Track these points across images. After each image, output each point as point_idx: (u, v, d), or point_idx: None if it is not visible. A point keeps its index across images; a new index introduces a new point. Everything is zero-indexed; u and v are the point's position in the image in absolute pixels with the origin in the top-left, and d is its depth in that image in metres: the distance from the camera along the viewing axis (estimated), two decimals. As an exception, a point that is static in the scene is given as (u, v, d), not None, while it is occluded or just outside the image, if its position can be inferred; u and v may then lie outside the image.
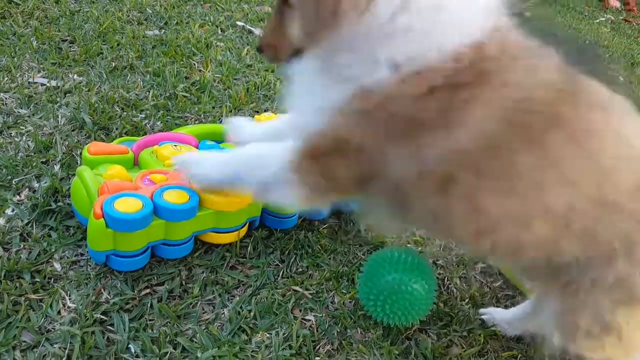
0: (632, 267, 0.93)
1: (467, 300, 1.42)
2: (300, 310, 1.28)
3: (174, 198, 1.29)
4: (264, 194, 1.09)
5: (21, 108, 1.80)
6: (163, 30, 2.59)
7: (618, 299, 0.96)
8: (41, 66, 2.07)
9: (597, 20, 5.53)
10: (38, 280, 1.21)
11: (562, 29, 4.65)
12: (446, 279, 1.49)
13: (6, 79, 1.92)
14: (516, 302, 1.46)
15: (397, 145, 0.90)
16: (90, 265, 1.27)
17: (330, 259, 1.45)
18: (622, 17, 6.17)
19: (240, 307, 1.24)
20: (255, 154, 1.10)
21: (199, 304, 1.24)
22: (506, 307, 1.43)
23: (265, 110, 2.14)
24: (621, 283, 0.94)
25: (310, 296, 1.31)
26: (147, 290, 1.24)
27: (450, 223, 0.97)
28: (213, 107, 1.99)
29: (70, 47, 2.27)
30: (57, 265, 1.26)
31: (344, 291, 1.35)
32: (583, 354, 1.04)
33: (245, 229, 1.45)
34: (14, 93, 1.86)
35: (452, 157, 0.88)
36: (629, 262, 0.93)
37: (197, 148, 1.61)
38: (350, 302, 1.32)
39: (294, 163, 0.99)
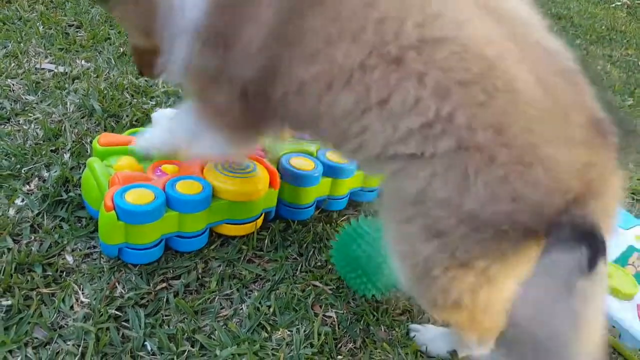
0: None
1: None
2: (320, 307, 1.23)
3: (186, 189, 1.25)
4: (198, 151, 1.22)
5: (29, 94, 1.75)
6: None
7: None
8: (48, 52, 2.01)
9: (613, 5, 5.41)
10: (50, 273, 1.16)
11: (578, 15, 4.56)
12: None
13: (13, 64, 1.87)
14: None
15: (233, 55, 0.97)
16: (103, 258, 1.23)
17: (350, 252, 1.40)
18: (638, 2, 6.04)
19: (259, 303, 1.20)
20: (175, 118, 1.26)
21: (216, 299, 1.19)
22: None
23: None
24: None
25: (331, 292, 1.27)
26: (163, 285, 1.20)
27: (297, 110, 0.99)
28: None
29: (77, 32, 2.21)
30: (69, 258, 1.21)
31: (365, 287, 1.30)
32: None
33: (260, 220, 1.41)
34: (21, 79, 1.81)
35: (268, 40, 0.92)
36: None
37: (211, 137, 1.56)
38: (372, 298, 1.27)
39: (195, 112, 1.13)
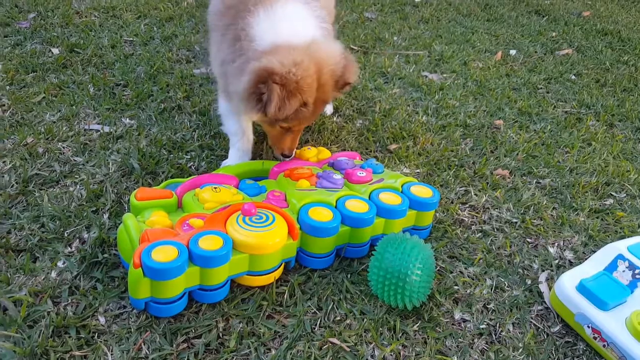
0: None
1: (520, 350, 1.31)
2: (337, 365, 1.23)
3: (208, 244, 1.30)
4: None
5: (77, 156, 1.89)
6: (210, 67, 2.64)
7: None
8: (96, 112, 2.17)
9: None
10: (83, 336, 1.25)
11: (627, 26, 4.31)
12: (497, 325, 1.38)
13: (65, 127, 2.04)
14: (577, 351, 1.33)
15: None
16: (131, 318, 1.30)
17: (369, 304, 1.40)
18: None
19: (276, 363, 1.22)
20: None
21: (234, 359, 1.22)
22: (565, 355, 1.31)
23: (306, 142, 2.13)
24: None
25: (349, 349, 1.26)
26: (185, 345, 1.24)
27: None
28: (255, 143, 1.99)
29: (124, 90, 2.37)
30: (102, 319, 1.29)
31: (384, 343, 1.29)
32: None
33: (280, 270, 1.44)
34: (72, 142, 1.96)
35: None
36: None
37: (237, 188, 1.62)
38: (391, 355, 1.26)
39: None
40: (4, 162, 1.80)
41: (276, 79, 1.50)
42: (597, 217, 1.88)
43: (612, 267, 1.41)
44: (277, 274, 1.43)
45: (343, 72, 1.66)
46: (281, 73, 1.50)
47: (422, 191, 1.64)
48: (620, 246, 1.46)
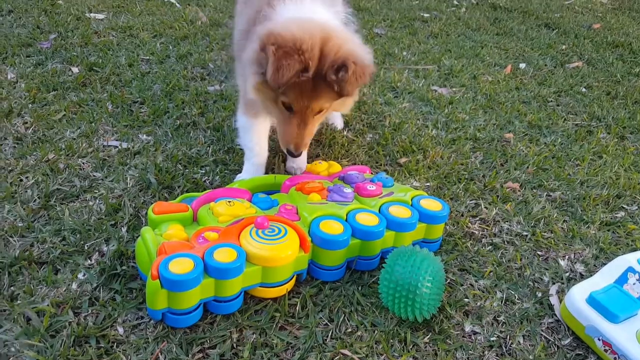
0: None
1: (530, 362, 1.33)
2: (349, 376, 1.25)
3: (223, 257, 1.34)
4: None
5: (96, 172, 1.95)
6: (223, 85, 2.71)
7: None
8: (114, 129, 2.24)
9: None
10: (102, 345, 1.29)
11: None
12: (508, 337, 1.40)
13: (84, 144, 2.10)
14: (587, 362, 1.34)
15: None
16: (149, 329, 1.34)
17: (380, 316, 1.42)
18: None
19: (289, 373, 1.25)
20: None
21: (248, 369, 1.26)
22: (575, 367, 1.33)
23: (317, 156, 2.17)
24: None
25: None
26: (200, 355, 1.28)
27: None
28: (268, 158, 2.04)
29: (141, 108, 2.44)
30: (120, 329, 1.33)
31: (395, 354, 1.31)
32: None
33: (292, 282, 1.47)
34: (91, 157, 2.02)
35: None
36: None
37: (251, 201, 1.66)
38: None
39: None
40: (26, 177, 1.86)
41: (272, 40, 1.48)
42: (608, 230, 1.88)
43: (622, 279, 1.43)
44: (290, 286, 1.46)
45: (347, 56, 1.53)
46: (279, 33, 1.48)
47: (432, 204, 1.67)
48: (630, 259, 1.47)
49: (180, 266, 1.29)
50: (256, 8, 1.76)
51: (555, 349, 1.38)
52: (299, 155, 1.77)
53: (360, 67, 1.55)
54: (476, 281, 1.58)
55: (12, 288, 1.40)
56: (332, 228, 1.50)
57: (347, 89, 1.57)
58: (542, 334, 1.42)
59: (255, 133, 1.90)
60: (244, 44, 1.75)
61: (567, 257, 1.73)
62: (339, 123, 2.45)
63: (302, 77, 1.52)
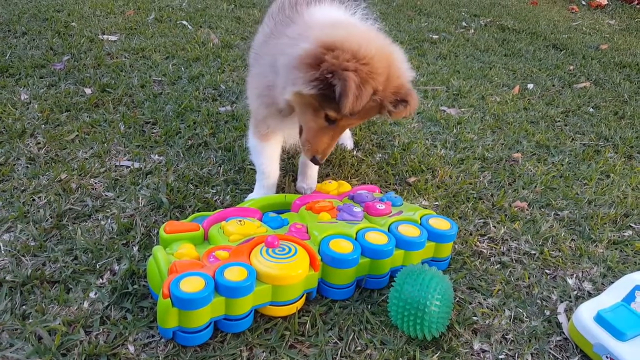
0: None
1: (539, 381, 1.33)
2: (358, 394, 1.26)
3: (233, 275, 1.35)
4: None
5: (108, 191, 1.98)
6: (235, 105, 2.76)
7: None
8: (127, 149, 2.27)
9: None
10: (113, 364, 1.30)
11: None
12: (516, 355, 1.40)
13: (97, 164, 2.14)
14: (597, 382, 1.33)
15: None
16: (160, 347, 1.35)
17: (389, 335, 1.42)
18: None
19: (298, 392, 1.25)
20: None
21: (258, 387, 1.26)
22: (585, 387, 1.32)
23: (326, 176, 2.19)
24: None
25: (368, 378, 1.29)
26: (210, 373, 1.29)
27: None
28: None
29: (153, 128, 2.48)
30: (131, 348, 1.35)
31: (403, 372, 1.32)
32: None
33: (302, 300, 1.48)
34: (103, 177, 2.06)
35: None
36: None
37: (261, 220, 1.68)
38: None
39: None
40: (39, 197, 1.90)
41: (348, 65, 1.36)
42: (616, 249, 1.88)
43: (630, 298, 1.42)
44: (299, 304, 1.47)
45: (409, 91, 1.51)
46: (352, 51, 1.37)
47: (441, 223, 1.68)
48: (638, 277, 1.48)
49: (191, 285, 1.31)
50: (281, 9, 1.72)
51: (565, 369, 1.38)
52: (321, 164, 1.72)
53: (415, 103, 1.55)
54: (485, 299, 1.58)
55: (24, 307, 1.42)
56: (342, 247, 1.51)
57: (397, 118, 1.60)
58: (550, 352, 1.42)
59: (266, 156, 1.90)
60: (264, 48, 1.71)
61: (575, 275, 1.73)
62: (349, 143, 2.48)
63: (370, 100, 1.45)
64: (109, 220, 1.81)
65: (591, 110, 3.26)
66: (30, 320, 1.38)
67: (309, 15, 1.64)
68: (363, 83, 1.38)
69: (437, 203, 2.09)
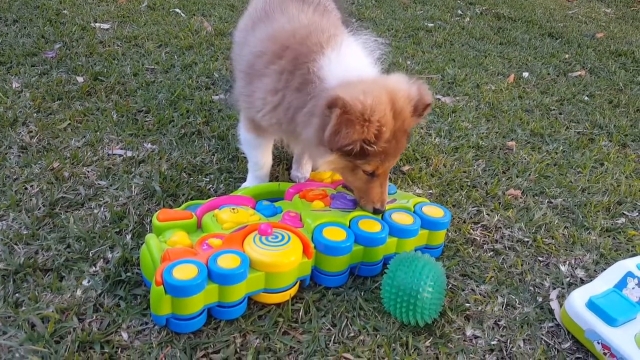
0: None
1: (531, 366, 1.34)
2: (351, 380, 1.26)
3: (226, 263, 1.35)
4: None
5: (101, 180, 1.97)
6: (228, 94, 2.74)
7: None
8: (119, 138, 2.26)
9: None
10: (107, 351, 1.30)
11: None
12: (508, 341, 1.41)
13: (89, 153, 2.12)
14: (588, 367, 1.35)
15: None
16: (153, 334, 1.35)
17: (382, 321, 1.43)
18: None
19: (291, 377, 1.26)
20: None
21: (251, 373, 1.27)
22: (577, 372, 1.33)
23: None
24: None
25: (361, 364, 1.30)
26: (204, 360, 1.29)
27: None
28: (271, 166, 2.06)
29: (146, 117, 2.47)
30: (125, 335, 1.35)
31: (397, 358, 1.32)
32: None
33: (296, 288, 1.49)
34: (96, 166, 2.05)
35: None
36: None
37: (254, 209, 1.68)
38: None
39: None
40: (31, 186, 1.88)
41: (339, 104, 1.39)
42: (609, 236, 1.89)
43: (621, 284, 1.43)
44: (293, 291, 1.48)
45: (419, 94, 1.54)
46: (346, 99, 1.39)
47: (434, 211, 1.68)
48: (630, 264, 1.48)
49: (184, 272, 1.31)
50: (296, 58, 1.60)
51: (555, 353, 1.39)
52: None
53: (428, 96, 1.57)
54: (477, 286, 1.59)
55: (17, 295, 1.42)
56: (335, 235, 1.51)
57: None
58: (542, 338, 1.43)
59: (259, 149, 1.90)
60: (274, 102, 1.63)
61: (567, 262, 1.74)
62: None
63: (370, 148, 1.46)
64: (102, 209, 1.81)
65: (586, 98, 3.27)
66: (24, 308, 1.38)
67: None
68: (347, 123, 1.39)
69: (431, 191, 2.09)
